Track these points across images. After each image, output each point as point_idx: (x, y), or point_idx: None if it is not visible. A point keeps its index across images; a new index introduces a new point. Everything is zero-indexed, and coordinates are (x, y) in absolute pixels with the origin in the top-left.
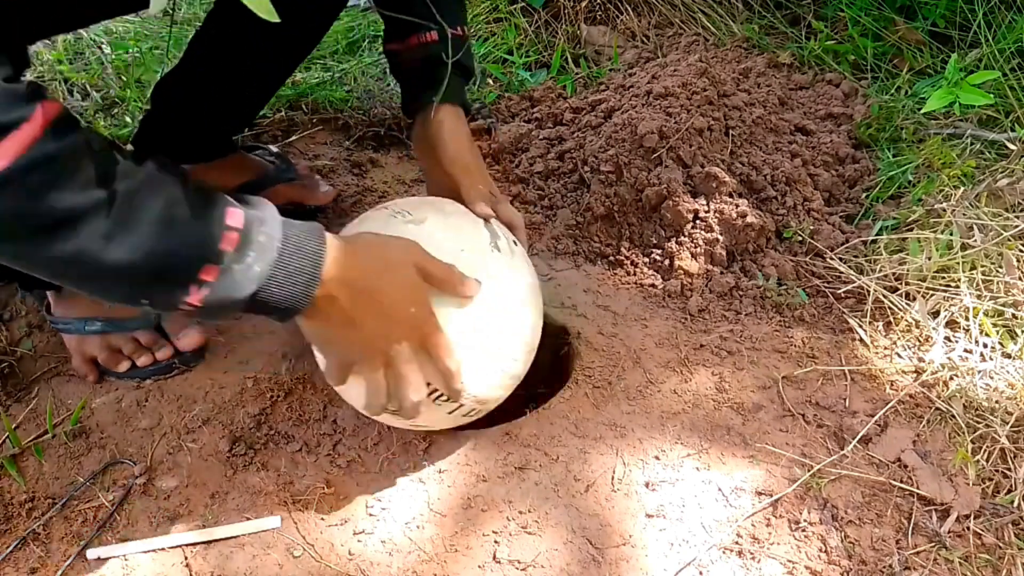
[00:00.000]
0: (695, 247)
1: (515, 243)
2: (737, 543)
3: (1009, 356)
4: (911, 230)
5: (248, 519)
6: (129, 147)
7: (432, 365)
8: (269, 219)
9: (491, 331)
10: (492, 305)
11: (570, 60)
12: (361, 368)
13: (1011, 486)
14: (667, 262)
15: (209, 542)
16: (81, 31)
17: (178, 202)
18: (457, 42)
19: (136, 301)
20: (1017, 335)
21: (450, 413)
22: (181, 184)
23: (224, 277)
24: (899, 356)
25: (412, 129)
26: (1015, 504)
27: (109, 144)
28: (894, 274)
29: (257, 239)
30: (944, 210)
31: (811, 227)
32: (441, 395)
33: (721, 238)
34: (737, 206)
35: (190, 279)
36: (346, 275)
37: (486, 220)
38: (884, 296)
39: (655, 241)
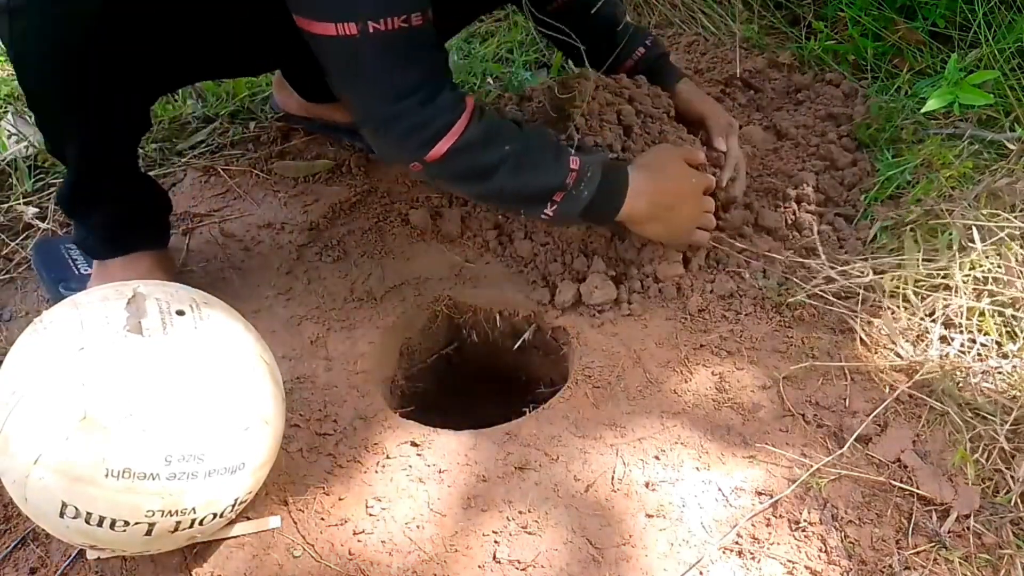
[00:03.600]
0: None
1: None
2: (737, 543)
3: (1007, 356)
4: (911, 230)
5: (248, 519)
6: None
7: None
8: (595, 163)
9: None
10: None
11: (570, 60)
12: (679, 230)
13: (1010, 485)
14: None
15: (209, 542)
16: None
17: (544, 154)
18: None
19: (518, 212)
20: (1016, 335)
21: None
22: (544, 139)
23: (567, 199)
24: (898, 356)
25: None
26: (1014, 503)
27: (502, 118)
28: (893, 274)
29: (586, 176)
30: (943, 210)
31: (810, 228)
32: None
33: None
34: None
35: (549, 200)
36: (642, 188)
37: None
38: (883, 296)
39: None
